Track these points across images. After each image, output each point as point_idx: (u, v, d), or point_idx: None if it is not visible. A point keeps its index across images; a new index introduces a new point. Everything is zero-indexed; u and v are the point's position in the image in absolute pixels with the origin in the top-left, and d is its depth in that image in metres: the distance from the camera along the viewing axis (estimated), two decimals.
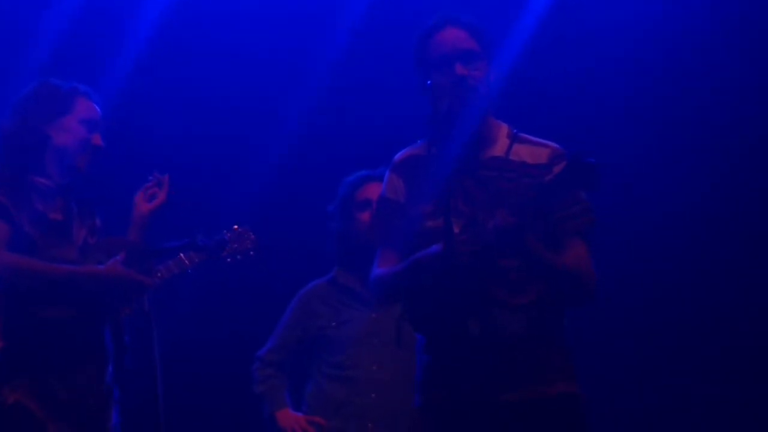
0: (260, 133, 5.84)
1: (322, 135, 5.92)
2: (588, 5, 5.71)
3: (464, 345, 3.18)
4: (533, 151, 3.31)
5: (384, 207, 3.42)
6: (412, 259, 3.23)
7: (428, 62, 3.32)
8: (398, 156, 3.44)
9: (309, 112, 5.79)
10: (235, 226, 4.28)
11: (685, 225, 5.72)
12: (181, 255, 4.07)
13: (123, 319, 3.87)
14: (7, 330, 3.62)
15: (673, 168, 5.74)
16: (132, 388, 3.93)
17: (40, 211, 3.71)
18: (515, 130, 3.38)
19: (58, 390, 3.65)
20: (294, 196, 5.90)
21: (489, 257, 3.12)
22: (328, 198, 4.77)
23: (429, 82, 3.27)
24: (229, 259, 4.23)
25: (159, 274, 4.09)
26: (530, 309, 3.22)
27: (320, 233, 4.79)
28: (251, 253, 4.27)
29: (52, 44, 5.44)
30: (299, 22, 5.83)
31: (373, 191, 4.62)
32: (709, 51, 5.66)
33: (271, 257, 4.45)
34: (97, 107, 3.92)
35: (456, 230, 3.14)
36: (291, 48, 5.82)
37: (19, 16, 5.56)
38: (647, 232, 5.74)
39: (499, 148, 3.33)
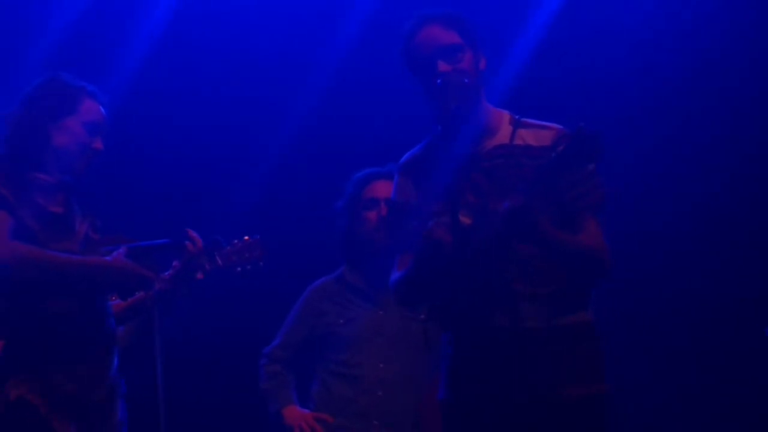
0: (266, 132, 5.83)
1: (330, 132, 5.92)
2: (596, 5, 5.69)
3: (489, 339, 3.16)
4: (537, 134, 3.28)
5: (394, 210, 3.41)
6: (417, 256, 3.19)
7: (414, 66, 3.31)
8: (404, 158, 3.43)
9: (316, 109, 5.78)
10: (246, 237, 4.27)
11: (692, 225, 5.70)
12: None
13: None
14: (9, 324, 3.59)
15: (682, 169, 5.73)
16: (134, 385, 3.93)
17: (41, 204, 3.64)
18: (517, 116, 3.36)
19: (62, 384, 3.59)
20: (301, 194, 5.90)
21: (502, 244, 3.09)
22: (335, 195, 4.76)
23: (439, 81, 3.22)
24: (239, 269, 4.23)
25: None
26: (554, 299, 3.18)
27: (328, 230, 4.78)
28: (260, 263, 4.28)
29: (57, 39, 5.43)
30: (304, 21, 5.83)
31: (380, 189, 4.60)
32: (712, 51, 5.64)
33: (278, 254, 4.44)
34: (102, 109, 3.84)
35: (468, 222, 3.10)
36: (296, 47, 5.82)
37: (26, 11, 5.57)
38: (652, 231, 5.72)
39: (503, 135, 3.31)
